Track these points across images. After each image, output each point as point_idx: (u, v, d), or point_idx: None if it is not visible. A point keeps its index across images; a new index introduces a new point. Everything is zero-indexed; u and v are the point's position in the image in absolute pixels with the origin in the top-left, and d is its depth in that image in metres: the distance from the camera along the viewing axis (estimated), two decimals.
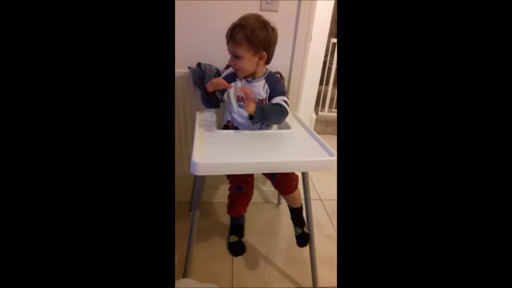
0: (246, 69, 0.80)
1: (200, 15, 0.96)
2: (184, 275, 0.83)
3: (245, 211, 0.87)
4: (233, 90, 0.84)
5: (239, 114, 0.85)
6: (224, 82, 0.78)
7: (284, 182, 0.87)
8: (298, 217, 0.92)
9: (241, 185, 0.82)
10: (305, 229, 0.91)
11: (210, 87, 0.80)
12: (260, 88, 0.83)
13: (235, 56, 0.77)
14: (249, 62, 0.78)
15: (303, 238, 0.90)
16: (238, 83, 0.84)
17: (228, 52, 0.79)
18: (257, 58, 0.78)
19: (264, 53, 0.78)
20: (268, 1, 0.95)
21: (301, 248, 0.96)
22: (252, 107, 0.73)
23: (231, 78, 0.84)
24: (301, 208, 0.93)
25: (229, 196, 0.85)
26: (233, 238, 0.86)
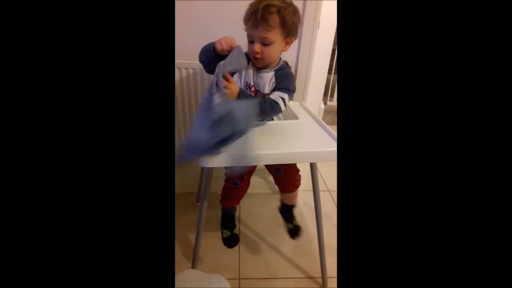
0: (274, 58, 0.69)
1: (202, 2, 0.94)
2: (193, 264, 0.84)
3: (237, 204, 0.90)
4: (242, 76, 0.75)
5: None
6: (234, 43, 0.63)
7: (287, 180, 0.85)
8: (289, 213, 0.93)
9: (236, 181, 0.82)
10: (295, 222, 0.93)
11: (223, 45, 0.62)
12: (267, 81, 0.72)
13: (263, 43, 0.66)
14: (278, 49, 0.67)
15: (296, 230, 0.93)
16: (249, 71, 0.74)
17: (248, 38, 0.67)
18: (284, 45, 0.68)
19: (293, 38, 0.68)
20: None
21: (309, 238, 0.96)
22: (236, 92, 0.63)
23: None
24: (294, 206, 0.94)
25: (223, 188, 0.84)
26: (226, 233, 0.90)
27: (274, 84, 0.72)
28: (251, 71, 0.75)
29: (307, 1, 0.95)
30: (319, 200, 0.84)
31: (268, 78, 0.73)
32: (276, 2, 0.63)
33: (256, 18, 0.63)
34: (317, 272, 0.94)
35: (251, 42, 0.68)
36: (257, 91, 0.75)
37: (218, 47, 0.63)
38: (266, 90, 0.73)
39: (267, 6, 0.62)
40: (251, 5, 0.65)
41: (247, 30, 0.67)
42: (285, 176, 0.85)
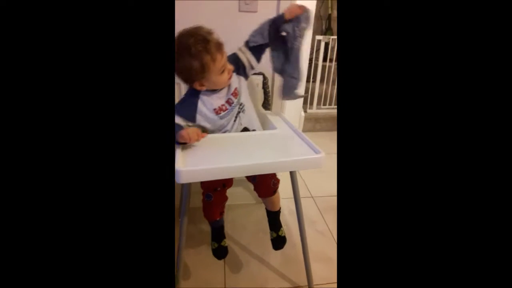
0: None
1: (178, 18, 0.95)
2: (176, 282, 0.82)
3: (218, 217, 0.87)
4: (207, 107, 0.77)
5: (225, 125, 0.79)
6: (201, 134, 0.69)
7: (263, 184, 0.85)
8: (275, 221, 0.92)
9: (209, 193, 0.82)
10: (280, 232, 0.91)
11: (192, 141, 0.68)
12: (235, 79, 0.79)
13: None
14: None
15: (279, 241, 0.91)
16: (203, 98, 0.77)
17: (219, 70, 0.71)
18: None
19: None
20: (247, 2, 0.94)
21: (295, 246, 0.96)
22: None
23: (194, 95, 0.77)
24: (278, 211, 0.93)
25: (202, 201, 0.85)
26: (214, 245, 0.89)
27: (237, 71, 0.79)
28: (210, 96, 0.77)
29: None
30: (301, 208, 0.84)
31: (234, 80, 0.79)
32: (206, 31, 0.70)
33: (219, 49, 0.70)
34: (304, 281, 0.94)
35: (222, 72, 0.73)
36: (229, 102, 0.78)
37: (189, 142, 0.68)
38: (243, 87, 0.81)
39: (211, 34, 0.70)
40: (199, 47, 0.67)
41: (218, 64, 0.71)
42: (260, 181, 0.86)
